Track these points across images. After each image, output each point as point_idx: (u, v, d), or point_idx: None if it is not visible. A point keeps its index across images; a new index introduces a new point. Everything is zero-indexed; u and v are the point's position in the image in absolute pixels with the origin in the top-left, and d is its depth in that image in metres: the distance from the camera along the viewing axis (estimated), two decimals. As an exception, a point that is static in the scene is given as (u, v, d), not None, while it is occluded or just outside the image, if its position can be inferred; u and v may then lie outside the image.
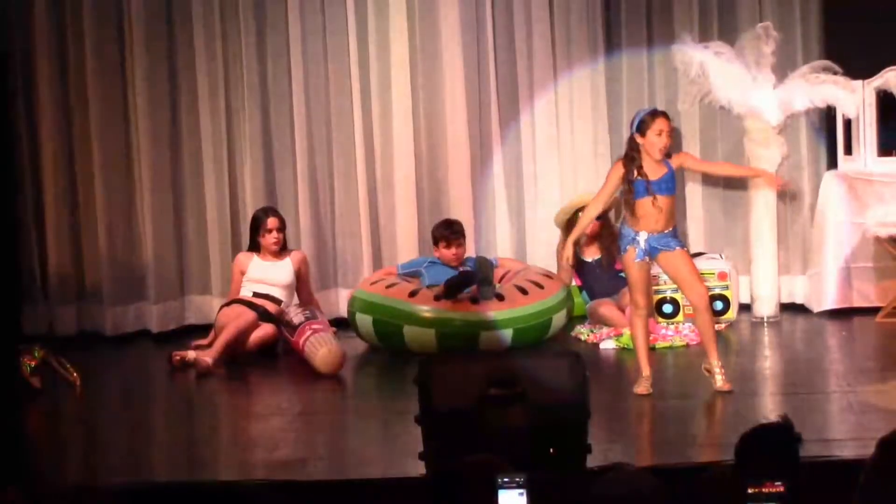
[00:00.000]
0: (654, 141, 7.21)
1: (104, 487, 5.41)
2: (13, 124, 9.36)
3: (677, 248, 7.29)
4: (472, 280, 8.59)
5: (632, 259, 7.27)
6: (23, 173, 9.41)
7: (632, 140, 7.28)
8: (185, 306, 9.60)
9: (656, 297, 8.97)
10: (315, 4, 9.58)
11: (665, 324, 8.96)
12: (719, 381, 7.29)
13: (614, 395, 7.37)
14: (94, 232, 9.50)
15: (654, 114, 7.35)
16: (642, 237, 7.22)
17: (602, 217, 9.31)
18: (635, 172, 7.19)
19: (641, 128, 7.25)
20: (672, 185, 7.27)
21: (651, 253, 7.26)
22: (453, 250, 8.96)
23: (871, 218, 9.20)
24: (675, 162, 7.34)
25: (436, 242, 9.05)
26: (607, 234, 9.31)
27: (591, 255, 9.34)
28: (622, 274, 9.29)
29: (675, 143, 8.95)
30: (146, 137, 9.48)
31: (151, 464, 6.60)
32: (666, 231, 7.25)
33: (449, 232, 9.00)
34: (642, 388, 7.32)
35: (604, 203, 7.49)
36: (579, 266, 9.33)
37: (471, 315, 8.48)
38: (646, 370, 7.35)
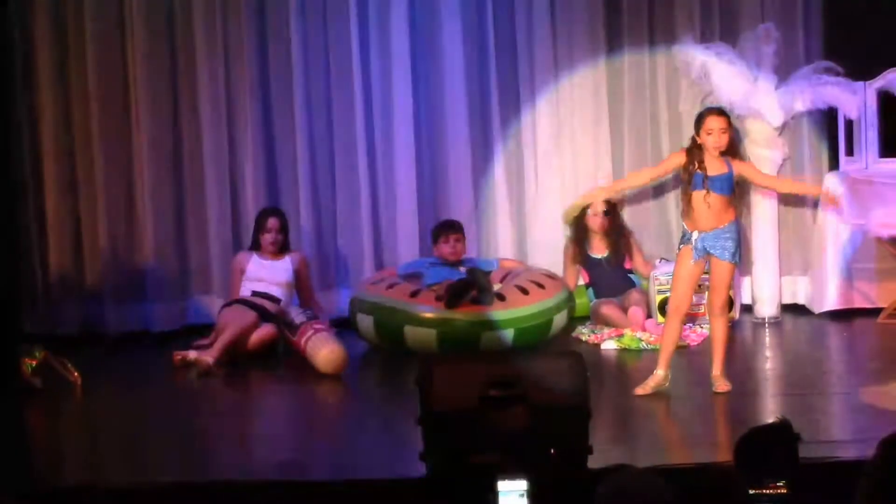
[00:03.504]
0: (705, 140, 7.26)
1: (104, 487, 5.42)
2: (14, 124, 9.35)
3: (728, 261, 7.28)
4: (472, 287, 8.57)
5: (687, 259, 7.28)
6: (24, 173, 9.41)
7: (693, 137, 7.35)
8: (186, 306, 9.60)
9: (659, 298, 8.97)
10: (317, 4, 9.58)
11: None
12: (717, 383, 7.30)
13: (615, 395, 7.37)
14: (95, 232, 9.49)
15: (708, 111, 7.44)
16: (695, 236, 7.25)
17: (611, 213, 9.33)
18: (696, 164, 7.23)
19: (696, 126, 7.34)
20: (727, 186, 7.26)
21: (703, 253, 7.27)
22: (452, 245, 8.97)
23: (873, 219, 9.20)
24: (736, 168, 7.36)
25: (435, 240, 9.08)
26: (615, 230, 9.31)
27: (599, 251, 9.34)
28: (630, 274, 9.34)
29: (677, 144, 8.98)
30: (147, 137, 9.47)
31: (151, 464, 6.60)
32: (720, 227, 7.24)
33: (445, 228, 9.03)
34: (644, 388, 7.30)
35: (648, 178, 7.61)
36: (586, 263, 9.33)
37: (472, 315, 8.48)
38: (661, 369, 7.32)
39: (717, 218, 7.26)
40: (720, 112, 7.43)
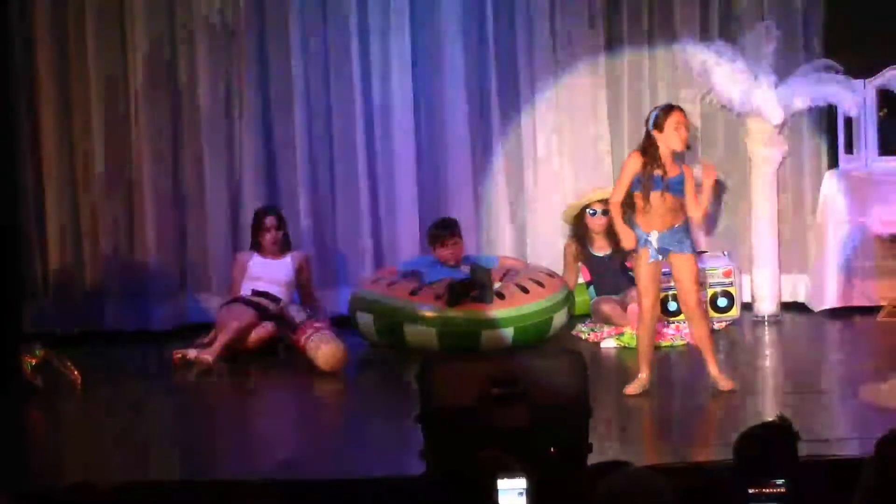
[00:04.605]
0: (672, 136, 7.18)
1: (104, 487, 5.41)
2: (15, 124, 9.35)
3: (689, 252, 7.28)
4: (472, 285, 8.57)
5: (645, 261, 7.24)
6: (24, 171, 9.41)
7: (648, 136, 7.24)
8: (186, 305, 9.59)
9: (661, 295, 8.95)
10: (317, 4, 9.58)
11: (667, 322, 8.95)
12: (720, 382, 7.29)
13: (615, 394, 7.36)
14: (95, 230, 9.49)
15: (670, 108, 7.31)
16: (654, 237, 7.21)
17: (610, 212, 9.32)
18: (654, 166, 7.17)
19: (658, 123, 7.21)
20: (681, 188, 7.24)
21: (662, 252, 7.24)
22: (449, 249, 8.95)
23: (872, 217, 9.20)
24: (686, 170, 7.31)
25: (432, 244, 9.05)
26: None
27: (601, 249, 9.33)
28: (631, 272, 9.33)
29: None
30: (147, 137, 9.47)
31: (151, 464, 6.60)
32: (675, 226, 7.22)
33: (441, 231, 8.99)
34: (633, 388, 7.30)
35: (624, 195, 7.30)
36: (588, 260, 9.33)
37: (472, 314, 8.48)
38: (644, 372, 7.33)
39: (674, 217, 7.22)
40: (680, 108, 7.37)
